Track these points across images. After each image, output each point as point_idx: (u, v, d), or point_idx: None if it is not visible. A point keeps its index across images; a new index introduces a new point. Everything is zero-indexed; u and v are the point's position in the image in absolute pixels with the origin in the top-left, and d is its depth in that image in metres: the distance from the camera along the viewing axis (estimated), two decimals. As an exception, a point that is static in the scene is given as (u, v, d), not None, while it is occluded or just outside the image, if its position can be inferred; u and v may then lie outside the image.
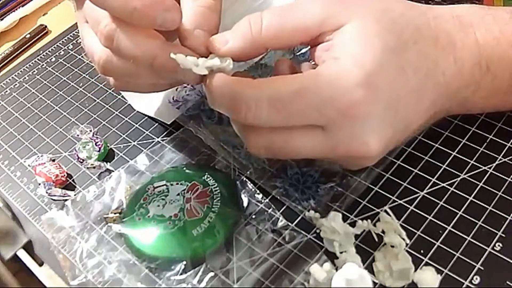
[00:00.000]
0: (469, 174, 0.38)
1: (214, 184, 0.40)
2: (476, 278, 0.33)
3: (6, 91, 0.56)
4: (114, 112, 0.50)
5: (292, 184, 0.40)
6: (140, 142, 0.47)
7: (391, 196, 0.38)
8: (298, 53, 0.48)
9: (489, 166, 0.38)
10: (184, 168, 0.43)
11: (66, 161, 0.47)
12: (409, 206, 0.37)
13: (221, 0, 0.37)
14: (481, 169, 0.38)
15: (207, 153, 0.44)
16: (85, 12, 0.38)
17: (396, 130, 0.34)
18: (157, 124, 0.48)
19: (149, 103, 0.48)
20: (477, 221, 0.35)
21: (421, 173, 0.39)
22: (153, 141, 0.46)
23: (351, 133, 0.32)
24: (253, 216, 0.38)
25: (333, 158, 0.35)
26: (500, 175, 0.38)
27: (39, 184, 0.44)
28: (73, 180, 0.45)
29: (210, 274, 0.36)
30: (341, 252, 0.35)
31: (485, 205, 0.36)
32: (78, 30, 0.60)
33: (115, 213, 0.40)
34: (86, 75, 0.56)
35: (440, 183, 0.38)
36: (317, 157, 0.36)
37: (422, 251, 0.35)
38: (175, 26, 0.34)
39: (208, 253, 0.37)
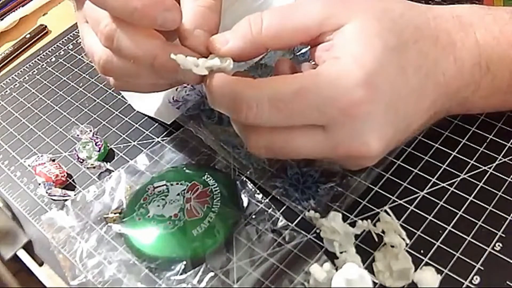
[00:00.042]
0: (469, 174, 0.38)
1: (214, 184, 0.40)
2: (476, 278, 0.33)
3: (6, 91, 0.56)
4: (114, 112, 0.50)
5: (292, 184, 0.40)
6: (140, 142, 0.47)
7: (391, 196, 0.38)
8: (298, 53, 0.48)
9: (489, 166, 0.38)
10: (184, 168, 0.43)
11: (66, 161, 0.47)
12: (409, 206, 0.37)
13: (221, 0, 0.37)
14: (481, 169, 0.38)
15: (207, 153, 0.44)
16: (85, 12, 0.38)
17: (396, 130, 0.34)
18: (157, 124, 0.48)
19: (149, 103, 0.48)
20: (477, 221, 0.35)
21: (421, 173, 0.39)
22: (153, 141, 0.46)
23: (352, 133, 0.32)
24: (253, 216, 0.38)
25: (333, 158, 0.35)
26: (500, 175, 0.38)
27: (39, 184, 0.44)
28: (73, 180, 0.45)
29: (210, 274, 0.36)
30: (341, 252, 0.35)
31: (485, 205, 0.36)
32: (78, 30, 0.60)
33: (115, 213, 0.40)
34: (86, 75, 0.56)
35: (440, 183, 0.38)
36: (318, 157, 0.36)
37: (422, 251, 0.35)
38: (175, 26, 0.34)
39: (208, 253, 0.37)
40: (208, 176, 0.41)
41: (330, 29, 0.33)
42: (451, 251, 0.34)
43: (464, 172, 0.38)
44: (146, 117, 0.49)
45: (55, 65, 0.58)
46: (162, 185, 0.41)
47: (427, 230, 0.36)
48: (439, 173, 0.39)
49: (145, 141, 0.47)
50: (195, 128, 0.45)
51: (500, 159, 0.38)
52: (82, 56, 0.58)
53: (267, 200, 0.39)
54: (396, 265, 0.33)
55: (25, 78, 0.57)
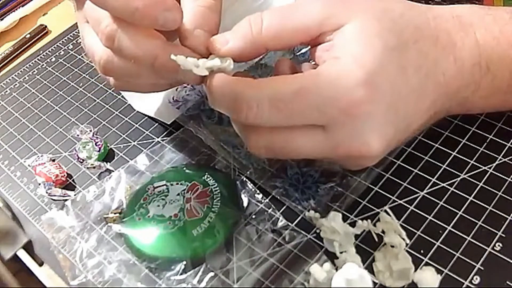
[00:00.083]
0: (469, 174, 0.38)
1: (214, 184, 0.40)
2: (476, 278, 0.33)
3: (6, 91, 0.56)
4: (114, 112, 0.50)
5: (292, 184, 0.40)
6: (140, 142, 0.47)
7: (391, 196, 0.38)
8: (298, 53, 0.48)
9: (489, 166, 0.38)
10: (184, 168, 0.43)
11: (66, 161, 0.47)
12: (409, 206, 0.37)
13: (221, 0, 0.37)
14: (481, 169, 0.38)
15: (207, 153, 0.44)
16: (86, 12, 0.38)
17: (396, 129, 0.34)
18: (157, 124, 0.48)
19: (149, 103, 0.48)
20: (477, 221, 0.35)
21: (421, 173, 0.39)
22: (153, 141, 0.46)
23: (352, 132, 0.32)
24: (253, 216, 0.38)
25: (333, 158, 0.35)
26: (500, 175, 0.38)
27: (39, 184, 0.44)
28: (73, 180, 0.45)
29: (210, 274, 0.36)
30: (341, 252, 0.35)
31: (485, 205, 0.36)
32: (78, 30, 0.60)
33: (115, 213, 0.40)
34: (86, 75, 0.56)
35: (440, 183, 0.38)
36: (318, 157, 0.36)
37: (422, 251, 0.35)
38: (176, 26, 0.34)
39: (208, 253, 0.37)
40: (208, 176, 0.41)
41: (330, 29, 0.33)
42: (451, 251, 0.34)
43: (464, 172, 0.38)
44: (146, 117, 0.49)
45: (55, 65, 0.58)
46: (162, 185, 0.41)
47: (427, 230, 0.36)
48: (439, 173, 0.39)
49: (145, 141, 0.47)
50: (195, 128, 0.45)
51: (500, 159, 0.38)
52: (82, 56, 0.58)
53: (267, 200, 0.39)
54: (396, 265, 0.33)
55: (25, 78, 0.57)
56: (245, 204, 0.39)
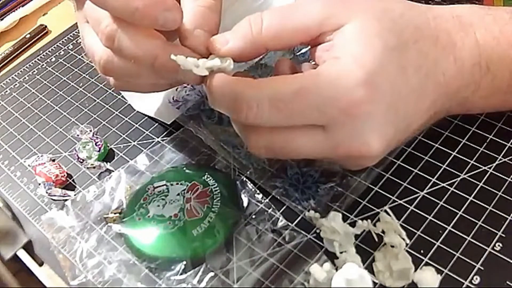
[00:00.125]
0: (469, 174, 0.38)
1: (214, 184, 0.40)
2: (476, 278, 0.33)
3: (6, 91, 0.56)
4: (114, 112, 0.50)
5: (292, 184, 0.40)
6: (140, 142, 0.47)
7: (391, 196, 0.38)
8: (298, 53, 0.48)
9: (489, 166, 0.38)
10: (184, 168, 0.43)
11: (66, 161, 0.47)
12: (409, 206, 0.37)
13: (221, 0, 0.37)
14: (481, 169, 0.38)
15: (207, 153, 0.44)
16: (86, 12, 0.38)
17: (396, 129, 0.34)
18: (157, 124, 0.48)
19: (149, 103, 0.48)
20: (477, 221, 0.35)
21: (421, 173, 0.39)
22: (153, 141, 0.46)
23: (352, 132, 0.32)
24: (253, 216, 0.38)
25: (333, 158, 0.35)
26: (500, 175, 0.38)
27: (39, 184, 0.44)
28: (73, 180, 0.45)
29: (210, 274, 0.36)
30: (341, 252, 0.35)
31: (485, 205, 0.36)
32: (78, 30, 0.60)
33: (115, 213, 0.40)
34: (86, 75, 0.56)
35: (440, 183, 0.38)
36: (318, 157, 0.36)
37: (422, 251, 0.35)
38: (176, 26, 0.34)
39: (208, 253, 0.37)
40: (208, 176, 0.41)
41: (330, 29, 0.33)
42: (451, 251, 0.34)
43: (464, 172, 0.38)
44: (146, 117, 0.49)
45: (55, 65, 0.58)
46: (162, 185, 0.41)
47: (427, 230, 0.36)
48: (439, 173, 0.39)
49: (145, 141, 0.47)
50: (195, 128, 0.45)
51: (500, 159, 0.38)
52: (82, 56, 0.58)
53: (267, 200, 0.39)
54: (396, 265, 0.33)
55: (25, 78, 0.57)
56: (245, 204, 0.39)
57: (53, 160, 0.46)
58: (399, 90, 0.32)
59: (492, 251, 0.34)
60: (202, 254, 0.37)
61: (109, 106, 0.51)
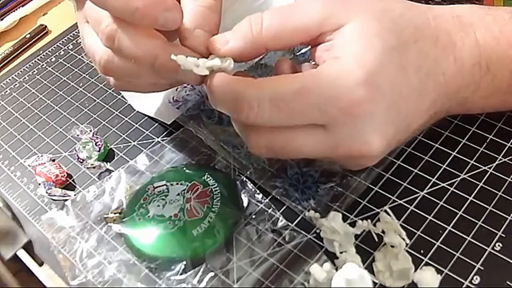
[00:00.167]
0: (469, 174, 0.38)
1: (214, 184, 0.40)
2: (476, 278, 0.33)
3: (6, 91, 0.56)
4: (114, 112, 0.50)
5: (292, 184, 0.40)
6: (140, 142, 0.47)
7: (391, 196, 0.38)
8: (298, 53, 0.48)
9: (489, 166, 0.38)
10: (184, 168, 0.43)
11: (66, 161, 0.47)
12: (409, 206, 0.37)
13: (221, 0, 0.37)
14: (481, 169, 0.38)
15: (207, 153, 0.44)
16: (86, 12, 0.38)
17: (397, 129, 0.34)
18: (157, 124, 0.48)
19: (149, 103, 0.48)
20: (477, 221, 0.35)
21: (421, 173, 0.39)
22: (153, 141, 0.46)
23: (352, 132, 0.32)
24: (253, 216, 0.38)
25: (334, 158, 0.35)
26: (500, 175, 0.38)
27: (39, 184, 0.44)
28: (73, 180, 0.45)
29: (210, 274, 0.36)
30: (341, 252, 0.35)
31: (485, 205, 0.36)
32: (78, 30, 0.60)
33: (115, 213, 0.40)
34: (86, 75, 0.56)
35: (440, 183, 0.38)
36: (319, 156, 0.36)
37: (422, 251, 0.35)
38: (176, 26, 0.34)
39: (208, 253, 0.37)
40: (208, 176, 0.41)
41: (330, 29, 0.33)
42: (451, 251, 0.34)
43: (464, 172, 0.38)
44: (146, 117, 0.49)
45: (55, 65, 0.58)
46: (162, 185, 0.41)
47: (427, 230, 0.36)
48: (439, 173, 0.39)
49: (145, 141, 0.47)
50: (195, 128, 0.45)
51: (500, 159, 0.38)
52: (82, 56, 0.58)
53: (267, 200, 0.39)
54: (396, 265, 0.33)
55: (25, 78, 0.57)
56: (245, 204, 0.39)
57: (53, 160, 0.46)
58: (399, 89, 0.32)
59: (492, 251, 0.34)
60: (202, 254, 0.37)
61: (109, 106, 0.51)
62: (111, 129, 0.49)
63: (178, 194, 0.40)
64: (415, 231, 0.36)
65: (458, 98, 0.36)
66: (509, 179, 0.37)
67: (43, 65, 0.58)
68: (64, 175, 0.44)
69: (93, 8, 0.35)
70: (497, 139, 0.40)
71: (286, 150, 0.34)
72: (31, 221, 0.43)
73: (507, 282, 0.32)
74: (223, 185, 0.40)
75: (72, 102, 0.53)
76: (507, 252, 0.34)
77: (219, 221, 0.38)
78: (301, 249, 0.36)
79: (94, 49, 0.38)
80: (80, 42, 0.57)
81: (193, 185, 0.41)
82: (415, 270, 0.33)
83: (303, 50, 0.48)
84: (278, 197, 0.39)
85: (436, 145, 0.40)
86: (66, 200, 0.42)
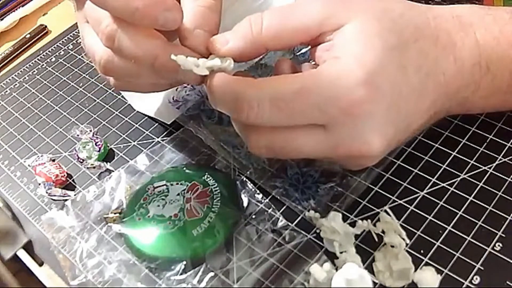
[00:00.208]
0: (469, 174, 0.38)
1: (214, 184, 0.40)
2: (476, 278, 0.33)
3: (6, 91, 0.56)
4: (114, 112, 0.50)
5: (292, 184, 0.40)
6: (140, 142, 0.47)
7: (391, 196, 0.38)
8: (298, 53, 0.48)
9: (489, 166, 0.38)
10: (184, 168, 0.43)
11: (66, 161, 0.47)
12: (409, 206, 0.37)
13: (221, 0, 0.37)
14: (481, 169, 0.38)
15: (207, 153, 0.44)
16: (86, 12, 0.38)
17: (397, 129, 0.34)
18: (157, 124, 0.48)
19: (149, 103, 0.48)
20: (477, 221, 0.35)
21: (421, 173, 0.39)
22: (153, 141, 0.46)
23: (353, 132, 0.32)
24: (253, 216, 0.38)
25: (334, 158, 0.35)
26: (500, 175, 0.38)
27: (39, 184, 0.44)
28: (73, 180, 0.45)
29: (210, 274, 0.36)
30: (341, 252, 0.35)
31: (485, 205, 0.36)
32: (78, 30, 0.60)
33: (115, 213, 0.40)
34: (86, 75, 0.56)
35: (440, 183, 0.38)
36: (319, 156, 0.36)
37: (422, 251, 0.35)
38: (176, 26, 0.34)
39: (208, 253, 0.37)
40: (208, 176, 0.41)
41: (330, 29, 0.33)
42: (451, 251, 0.34)
43: (464, 172, 0.38)
44: (146, 117, 0.49)
45: (55, 65, 0.58)
46: (162, 185, 0.41)
47: (427, 230, 0.36)
48: (439, 173, 0.39)
49: (145, 141, 0.47)
50: (195, 128, 0.45)
51: (500, 159, 0.38)
52: (82, 56, 0.58)
53: (267, 200, 0.39)
54: (396, 265, 0.33)
55: (25, 78, 0.57)
56: (245, 204, 0.39)
57: (53, 160, 0.46)
58: (399, 89, 0.32)
59: (492, 251, 0.34)
60: (202, 254, 0.37)
61: (109, 106, 0.51)
62: (111, 129, 0.49)
63: (178, 194, 0.40)
64: (415, 231, 0.36)
65: (458, 98, 0.36)
66: (509, 179, 0.37)
67: (43, 65, 0.58)
68: (64, 175, 0.44)
69: (93, 8, 0.35)
70: (497, 139, 0.40)
71: (286, 150, 0.34)
72: (31, 221, 0.43)
73: (507, 282, 0.32)
74: (223, 185, 0.40)
75: (72, 102, 0.53)
76: (507, 252, 0.34)
77: (219, 221, 0.38)
78: (301, 249, 0.36)
79: (94, 49, 0.38)
80: (80, 42, 0.57)
81: (193, 185, 0.41)
82: (415, 270, 0.33)
83: (303, 50, 0.48)
84: (278, 197, 0.39)
85: (436, 145, 0.40)
86: (66, 200, 0.42)
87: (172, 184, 0.41)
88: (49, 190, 0.43)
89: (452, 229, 0.35)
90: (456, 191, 0.37)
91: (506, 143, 0.39)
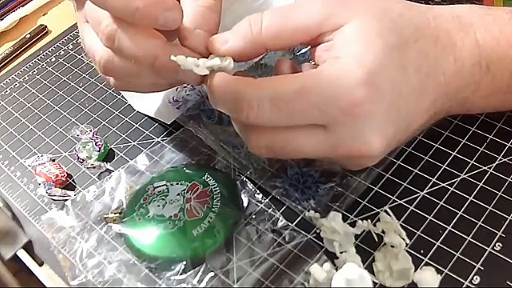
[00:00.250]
0: (469, 174, 0.38)
1: (214, 184, 0.40)
2: (476, 278, 0.33)
3: (6, 91, 0.56)
4: (114, 112, 0.50)
5: (292, 184, 0.40)
6: (140, 142, 0.47)
7: (391, 196, 0.38)
8: (298, 53, 0.48)
9: (489, 166, 0.38)
10: (184, 168, 0.43)
11: (66, 161, 0.47)
12: (409, 206, 0.37)
13: (221, 0, 0.37)
14: (481, 169, 0.38)
15: (207, 153, 0.44)
16: (86, 12, 0.38)
17: (397, 129, 0.34)
18: (157, 124, 0.48)
19: (149, 103, 0.48)
20: (477, 221, 0.35)
21: (421, 173, 0.39)
22: (153, 141, 0.46)
23: (353, 132, 0.32)
24: (253, 216, 0.38)
25: (334, 158, 0.35)
26: (500, 175, 0.38)
27: (39, 184, 0.44)
28: (73, 180, 0.45)
29: (210, 274, 0.36)
30: (341, 252, 0.35)
31: (485, 205, 0.36)
32: (78, 30, 0.60)
33: (115, 213, 0.40)
34: (86, 75, 0.56)
35: (440, 183, 0.38)
36: (318, 156, 0.36)
37: (422, 251, 0.35)
38: (176, 26, 0.34)
39: (208, 253, 0.37)
40: (208, 176, 0.41)
41: (330, 29, 0.33)
42: (451, 251, 0.34)
43: (464, 172, 0.38)
44: (146, 117, 0.49)
45: (55, 65, 0.58)
46: (162, 185, 0.41)
47: (427, 230, 0.36)
48: (439, 173, 0.39)
49: (145, 141, 0.47)
50: (195, 128, 0.45)
51: (500, 159, 0.38)
52: (82, 56, 0.58)
53: (267, 200, 0.39)
54: (396, 265, 0.33)
55: (25, 78, 0.57)
56: (245, 204, 0.39)
57: (53, 160, 0.46)
58: (399, 89, 0.32)
59: (492, 251, 0.34)
60: (202, 254, 0.37)
61: (109, 106, 0.51)
62: (111, 129, 0.49)
63: (178, 194, 0.40)
64: (415, 231, 0.36)
65: (458, 98, 0.36)
66: (509, 179, 0.37)
67: (43, 65, 0.58)
68: (64, 175, 0.44)
69: (93, 8, 0.35)
70: (497, 139, 0.40)
71: (286, 150, 0.34)
72: (31, 221, 0.43)
73: (507, 282, 0.32)
74: (223, 185, 0.40)
75: (72, 102, 0.53)
76: (507, 252, 0.34)
77: (219, 221, 0.38)
78: (301, 249, 0.36)
79: (94, 49, 0.38)
80: (80, 42, 0.56)
81: (193, 185, 0.41)
82: (415, 270, 0.33)
83: (303, 50, 0.48)
84: (278, 197, 0.39)
85: (436, 145, 0.40)
86: (66, 200, 0.42)
87: (172, 184, 0.41)
88: (49, 190, 0.43)
89: (452, 229, 0.35)
90: (456, 191, 0.37)
91: (506, 143, 0.39)
